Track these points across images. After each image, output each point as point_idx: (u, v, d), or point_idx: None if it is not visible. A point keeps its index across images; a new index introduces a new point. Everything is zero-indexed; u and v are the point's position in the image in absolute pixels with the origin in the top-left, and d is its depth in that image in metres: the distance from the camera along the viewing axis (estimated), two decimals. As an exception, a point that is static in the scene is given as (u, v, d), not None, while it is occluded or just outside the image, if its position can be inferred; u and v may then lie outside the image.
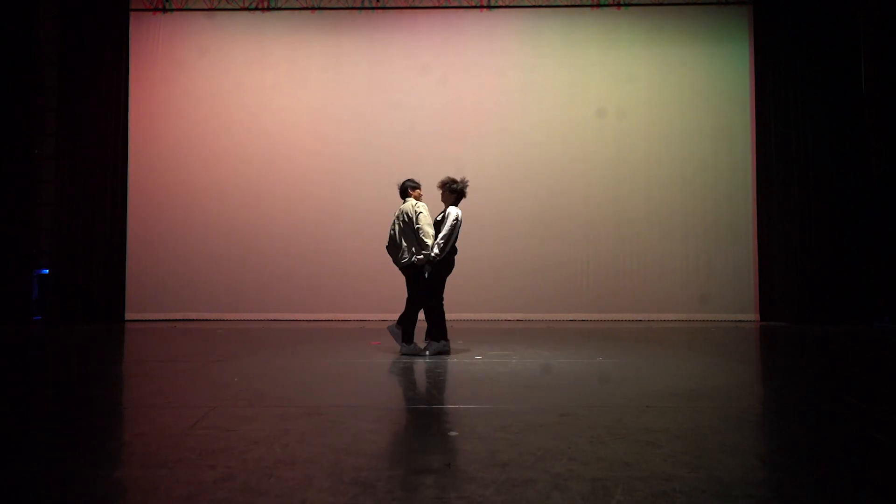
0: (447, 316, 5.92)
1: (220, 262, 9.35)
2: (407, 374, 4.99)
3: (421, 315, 5.86)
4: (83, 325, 8.83)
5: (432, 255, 5.64)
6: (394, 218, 5.95)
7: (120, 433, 3.56)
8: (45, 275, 9.37)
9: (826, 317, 8.60)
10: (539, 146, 9.27)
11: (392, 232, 5.92)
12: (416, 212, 5.78)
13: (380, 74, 9.51)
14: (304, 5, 9.57)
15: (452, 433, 3.40)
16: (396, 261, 5.92)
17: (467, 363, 5.43)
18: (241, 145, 9.47)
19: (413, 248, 5.74)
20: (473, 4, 9.52)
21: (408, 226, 5.78)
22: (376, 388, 4.60)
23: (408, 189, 6.00)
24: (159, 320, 9.15)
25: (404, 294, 5.95)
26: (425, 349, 5.82)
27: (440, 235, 5.68)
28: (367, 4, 9.53)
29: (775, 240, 8.97)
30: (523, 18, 9.52)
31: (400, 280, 6.02)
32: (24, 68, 9.26)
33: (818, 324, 8.50)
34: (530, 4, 9.51)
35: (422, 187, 6.03)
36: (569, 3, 9.51)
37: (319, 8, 9.58)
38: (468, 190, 5.96)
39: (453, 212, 5.81)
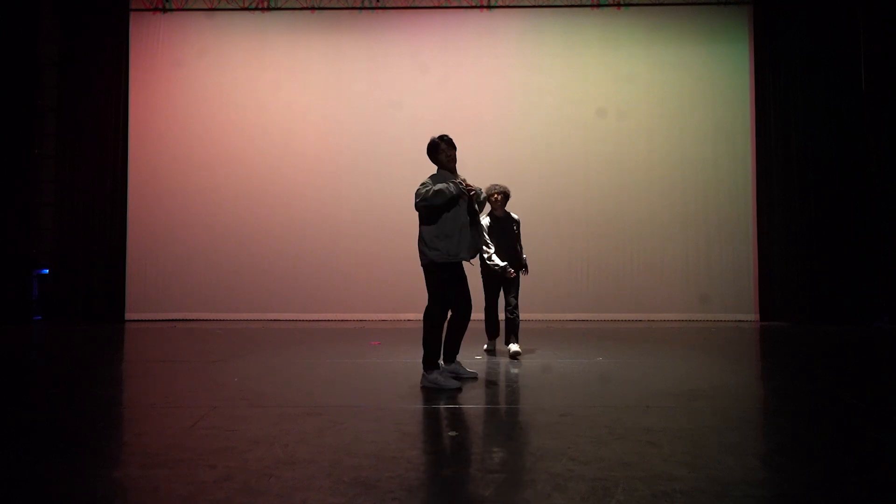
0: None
1: (220, 263, 9.34)
2: (406, 374, 4.98)
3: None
4: (83, 325, 8.83)
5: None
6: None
7: (120, 433, 3.57)
8: (45, 275, 9.37)
9: (826, 317, 8.59)
10: (539, 146, 9.27)
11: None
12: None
13: (380, 74, 9.50)
14: (304, 5, 9.56)
15: (452, 433, 3.40)
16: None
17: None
18: (240, 145, 9.46)
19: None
20: (473, 4, 9.52)
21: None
22: (376, 388, 4.60)
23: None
24: (159, 320, 9.15)
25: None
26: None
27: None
28: (367, 4, 9.53)
29: (775, 240, 8.96)
30: (523, 18, 9.51)
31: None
32: (25, 68, 9.25)
33: (818, 324, 8.50)
34: (530, 4, 9.50)
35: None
36: (569, 3, 9.50)
37: (319, 8, 9.57)
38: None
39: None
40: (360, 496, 2.38)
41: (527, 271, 6.10)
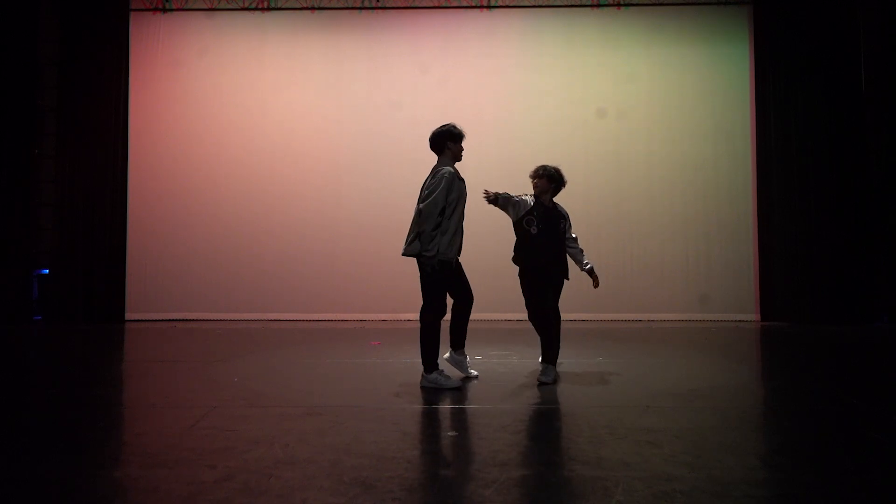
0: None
1: (219, 263, 9.34)
2: (407, 374, 4.98)
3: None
4: (83, 325, 8.83)
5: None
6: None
7: (120, 433, 3.57)
8: (45, 275, 9.37)
9: (826, 317, 8.59)
10: (539, 146, 9.25)
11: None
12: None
13: (380, 74, 9.50)
14: (304, 5, 9.56)
15: (452, 433, 3.40)
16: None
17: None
18: (240, 145, 9.46)
19: None
20: (473, 4, 9.52)
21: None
22: (376, 388, 4.59)
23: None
24: (159, 320, 9.15)
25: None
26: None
27: None
28: (367, 4, 9.53)
29: (775, 240, 8.96)
30: (523, 18, 9.51)
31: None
32: (25, 68, 9.25)
33: (818, 324, 8.50)
34: (530, 4, 9.50)
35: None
36: (569, 3, 9.50)
37: (319, 8, 9.57)
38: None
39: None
40: (360, 496, 2.38)
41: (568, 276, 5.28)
